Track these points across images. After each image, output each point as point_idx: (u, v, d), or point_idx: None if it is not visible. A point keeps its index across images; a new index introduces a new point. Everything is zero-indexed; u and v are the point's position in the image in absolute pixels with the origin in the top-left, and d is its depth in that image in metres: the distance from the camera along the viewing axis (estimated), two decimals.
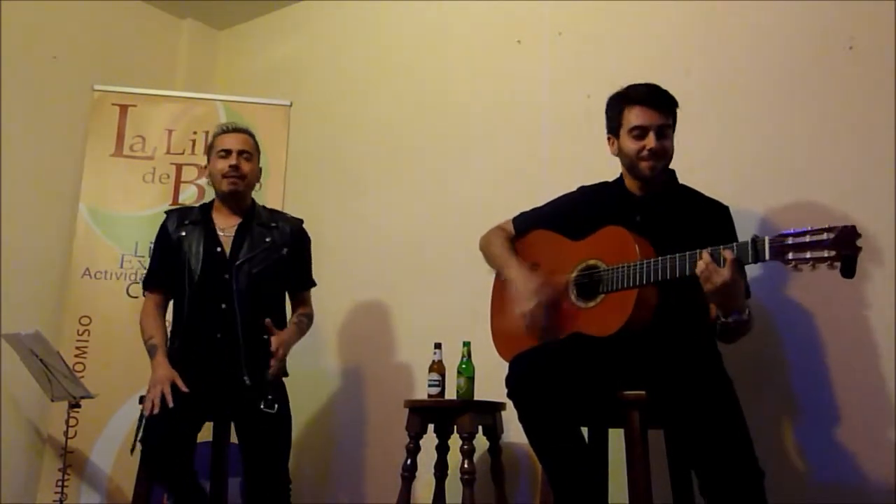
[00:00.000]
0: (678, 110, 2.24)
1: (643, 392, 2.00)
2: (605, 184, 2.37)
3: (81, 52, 4.03)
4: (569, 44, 3.21)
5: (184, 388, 2.42)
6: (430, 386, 2.75)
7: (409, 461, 2.67)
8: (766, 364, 2.49)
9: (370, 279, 3.59)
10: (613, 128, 2.26)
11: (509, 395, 2.03)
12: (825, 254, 1.68)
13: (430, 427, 2.74)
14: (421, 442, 2.69)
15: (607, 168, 2.35)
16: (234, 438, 2.66)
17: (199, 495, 2.48)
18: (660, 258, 1.97)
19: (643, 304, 1.99)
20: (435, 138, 3.55)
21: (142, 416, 2.45)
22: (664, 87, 2.25)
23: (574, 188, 2.44)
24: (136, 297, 3.41)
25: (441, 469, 2.82)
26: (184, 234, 2.65)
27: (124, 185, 3.56)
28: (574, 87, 3.13)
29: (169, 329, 2.67)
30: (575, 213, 2.31)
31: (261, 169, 2.81)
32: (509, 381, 2.03)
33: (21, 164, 3.73)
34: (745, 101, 2.71)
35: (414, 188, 3.57)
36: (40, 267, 3.72)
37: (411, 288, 3.45)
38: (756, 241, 1.80)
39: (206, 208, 2.75)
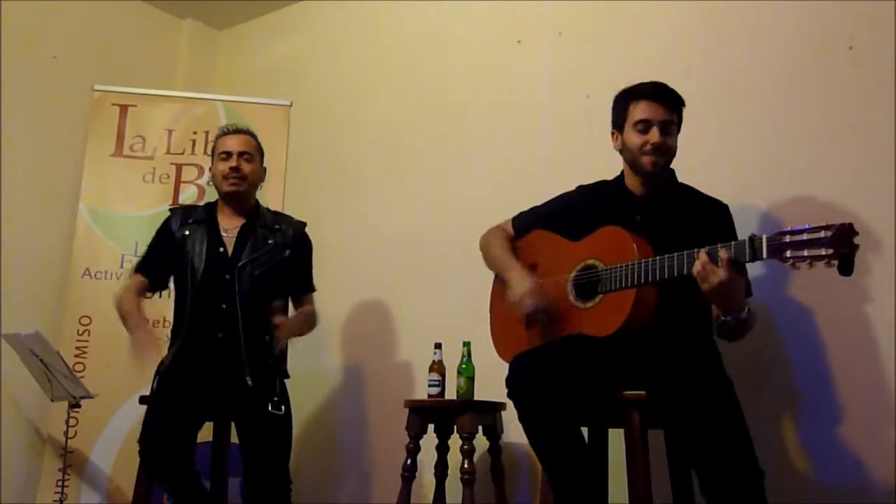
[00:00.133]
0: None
1: (643, 392, 2.00)
2: (604, 182, 2.37)
3: (81, 52, 4.04)
4: (569, 44, 3.21)
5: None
6: (430, 386, 2.75)
7: (409, 461, 2.67)
8: (766, 363, 2.49)
9: (370, 279, 3.59)
10: (618, 123, 2.26)
11: (509, 396, 2.03)
12: (823, 252, 1.68)
13: (431, 427, 2.74)
14: (421, 442, 2.69)
15: (607, 168, 2.35)
16: (234, 438, 2.66)
17: (200, 495, 2.48)
18: (658, 258, 1.97)
19: (641, 303, 1.99)
20: (435, 138, 3.55)
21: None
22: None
23: (574, 188, 2.43)
24: None
25: (441, 469, 2.82)
26: (187, 232, 2.65)
27: (124, 185, 3.56)
28: (574, 87, 3.13)
29: (168, 329, 2.68)
30: (574, 213, 2.31)
31: (265, 169, 2.81)
32: (509, 382, 2.03)
33: (21, 164, 3.73)
34: (745, 101, 2.71)
35: (414, 188, 3.57)
36: (40, 267, 3.72)
37: (411, 288, 3.45)
38: (753, 240, 1.80)
39: (211, 208, 2.75)
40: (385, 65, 3.83)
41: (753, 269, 2.13)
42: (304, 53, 4.22)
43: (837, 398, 2.37)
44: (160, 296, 3.34)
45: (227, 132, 2.73)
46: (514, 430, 2.67)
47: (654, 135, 2.16)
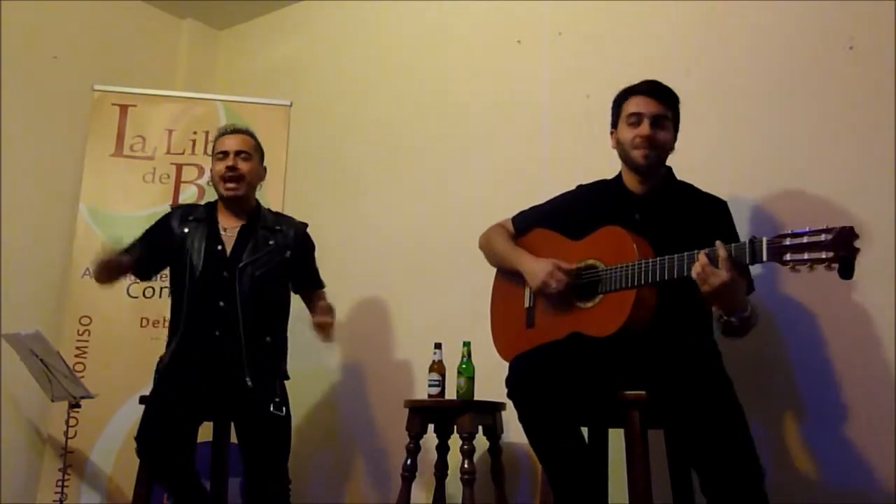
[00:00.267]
0: (681, 109, 2.25)
1: (643, 392, 2.00)
2: (603, 182, 2.37)
3: (81, 52, 4.04)
4: (569, 44, 3.21)
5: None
6: (430, 386, 2.75)
7: (409, 461, 2.67)
8: (767, 363, 2.49)
9: (370, 279, 3.59)
10: (614, 121, 2.28)
11: (509, 396, 2.03)
12: (823, 255, 1.68)
13: (431, 427, 2.74)
14: (421, 442, 2.69)
15: (607, 168, 2.35)
16: (233, 438, 2.66)
17: (200, 495, 2.48)
18: (658, 259, 1.97)
19: (642, 304, 1.99)
20: (435, 138, 3.55)
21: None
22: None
23: (574, 188, 2.44)
24: (136, 297, 3.42)
25: (441, 469, 2.82)
26: (187, 230, 2.66)
27: (124, 185, 3.56)
28: (574, 87, 3.13)
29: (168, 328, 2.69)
30: (574, 212, 2.31)
31: (265, 168, 2.81)
32: (509, 382, 2.03)
33: (21, 164, 3.73)
34: (745, 101, 2.71)
35: (414, 188, 3.57)
36: (40, 267, 3.72)
37: (411, 288, 3.45)
38: (754, 242, 1.80)
39: (211, 207, 2.76)
40: (385, 65, 3.83)
41: (753, 269, 2.12)
42: (304, 53, 4.22)
43: (839, 398, 2.37)
44: (160, 296, 3.38)
45: (224, 132, 2.74)
46: (514, 430, 2.67)
47: (645, 127, 2.17)
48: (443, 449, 2.82)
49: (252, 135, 2.77)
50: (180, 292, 2.61)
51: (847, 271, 1.68)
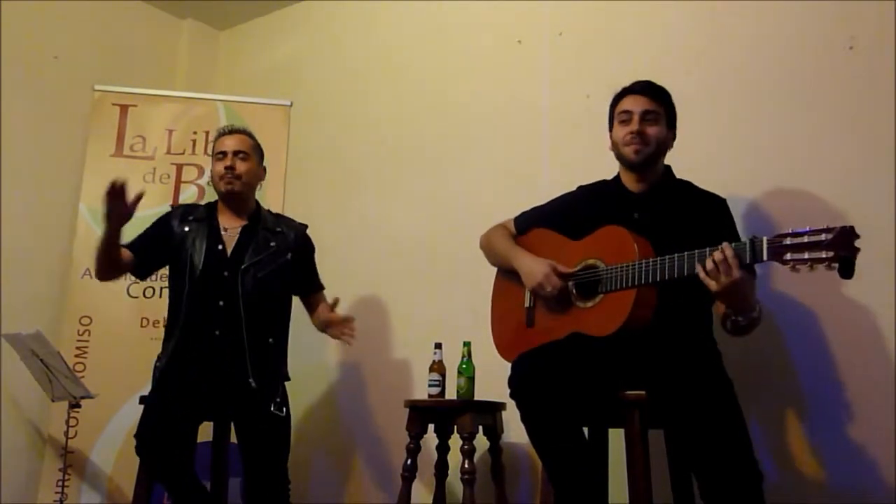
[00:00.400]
0: (681, 109, 2.26)
1: (643, 392, 2.00)
2: (603, 182, 2.38)
3: (82, 52, 4.04)
4: (569, 44, 3.21)
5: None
6: (430, 386, 2.75)
7: (409, 461, 2.67)
8: (767, 363, 2.48)
9: (370, 279, 3.59)
10: (610, 122, 2.30)
11: (512, 396, 2.03)
12: (823, 254, 1.68)
13: (431, 427, 2.74)
14: (421, 442, 2.69)
15: (607, 168, 2.36)
16: (233, 438, 2.67)
17: (200, 495, 2.48)
18: (658, 258, 1.96)
19: (642, 303, 1.99)
20: (435, 138, 3.55)
21: None
22: (665, 87, 2.27)
23: (574, 188, 2.44)
24: (136, 297, 3.42)
25: (441, 469, 2.82)
26: (187, 229, 2.66)
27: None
28: (574, 87, 3.13)
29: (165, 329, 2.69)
30: (574, 213, 2.31)
31: (264, 169, 2.82)
32: (512, 382, 2.03)
33: (21, 164, 3.73)
34: (745, 101, 2.71)
35: (414, 188, 3.57)
36: (41, 267, 3.72)
37: (411, 288, 3.45)
38: (754, 242, 1.80)
39: (211, 207, 2.76)
40: (385, 65, 3.83)
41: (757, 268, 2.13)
42: (304, 53, 4.22)
43: (839, 397, 2.37)
44: (160, 296, 3.38)
45: (222, 133, 2.75)
46: (514, 430, 2.67)
47: (634, 124, 2.19)
48: (443, 449, 2.82)
49: (250, 135, 2.77)
50: (180, 291, 2.61)
51: (847, 271, 1.68)
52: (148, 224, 2.76)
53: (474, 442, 2.60)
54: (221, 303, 2.56)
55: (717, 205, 2.24)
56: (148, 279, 3.00)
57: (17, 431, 3.56)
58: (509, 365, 2.09)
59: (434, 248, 3.41)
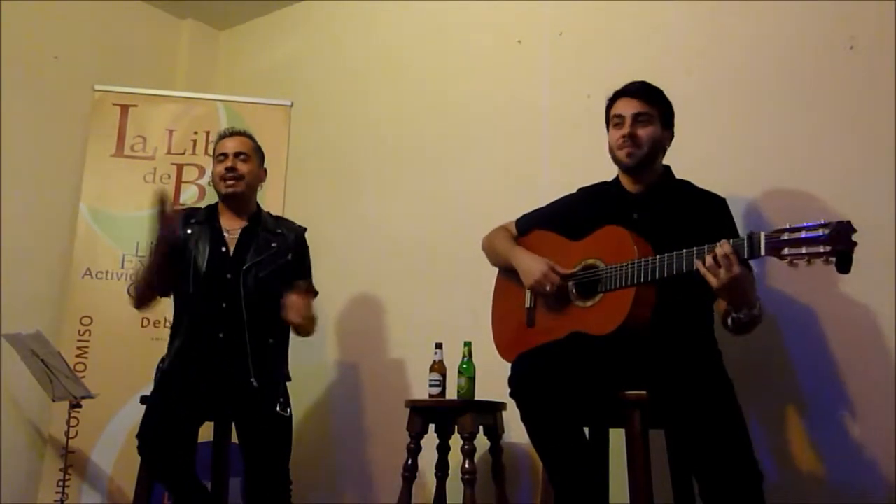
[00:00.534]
0: (681, 109, 2.26)
1: (644, 392, 2.01)
2: (603, 183, 2.39)
3: (82, 52, 4.04)
4: (569, 44, 3.22)
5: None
6: (430, 386, 2.75)
7: (409, 461, 2.67)
8: (767, 361, 2.49)
9: (370, 279, 3.59)
10: (606, 125, 2.30)
11: (512, 396, 2.03)
12: (821, 249, 1.69)
13: (431, 427, 2.75)
14: (422, 442, 2.70)
15: (607, 168, 2.36)
16: (233, 438, 2.67)
17: (200, 495, 2.49)
18: (657, 256, 1.97)
19: (641, 302, 2.00)
20: (435, 138, 3.55)
21: None
22: (664, 87, 2.27)
23: (574, 188, 2.45)
24: None
25: (442, 469, 2.82)
26: (190, 232, 2.67)
27: (125, 186, 3.56)
28: (574, 87, 3.13)
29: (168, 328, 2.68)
30: (575, 214, 2.32)
31: (265, 170, 2.83)
32: (512, 382, 2.04)
33: (22, 164, 3.73)
34: (745, 101, 2.71)
35: (414, 188, 3.57)
36: (41, 267, 3.73)
37: (411, 288, 3.45)
38: (752, 237, 1.81)
39: (213, 209, 2.77)
40: (385, 65, 3.83)
41: (754, 267, 2.13)
42: (304, 53, 4.22)
43: (840, 396, 2.37)
44: None
45: (223, 135, 2.77)
46: (514, 430, 2.68)
47: (626, 127, 2.19)
48: (443, 449, 2.82)
49: (251, 137, 2.79)
50: (184, 293, 2.61)
51: (845, 265, 1.69)
52: (147, 224, 2.75)
53: (475, 442, 2.60)
54: (224, 304, 2.57)
55: (716, 204, 2.24)
56: None
57: (18, 431, 3.57)
58: (510, 365, 2.10)
59: (434, 248, 3.42)
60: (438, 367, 2.77)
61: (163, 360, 2.62)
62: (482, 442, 2.72)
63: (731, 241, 1.84)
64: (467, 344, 2.76)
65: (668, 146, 2.27)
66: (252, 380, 2.49)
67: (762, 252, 1.78)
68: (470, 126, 3.45)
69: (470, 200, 3.33)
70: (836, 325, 2.42)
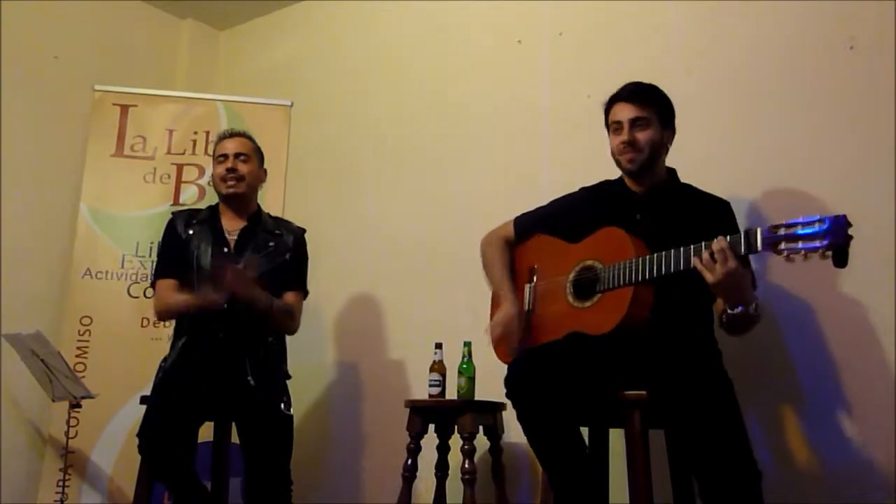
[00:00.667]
0: (681, 109, 2.26)
1: (644, 392, 2.00)
2: (606, 182, 2.38)
3: (82, 52, 4.04)
4: (569, 44, 3.22)
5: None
6: (430, 386, 2.76)
7: (409, 461, 2.67)
8: (767, 360, 2.48)
9: (370, 279, 3.59)
10: (607, 129, 2.30)
11: (508, 396, 2.03)
12: (817, 244, 1.70)
13: (431, 427, 2.75)
14: (422, 442, 2.70)
15: (607, 168, 2.36)
16: (234, 438, 2.67)
17: (200, 495, 2.49)
18: (654, 254, 1.97)
19: (639, 301, 2.00)
20: (435, 138, 3.55)
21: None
22: (664, 87, 2.27)
23: (574, 188, 2.44)
24: (136, 297, 3.42)
25: (442, 469, 2.82)
26: (192, 232, 2.68)
27: (125, 186, 3.56)
28: (574, 87, 3.13)
29: (170, 328, 2.68)
30: (576, 213, 2.32)
31: (265, 171, 2.83)
32: (508, 382, 2.04)
33: (21, 164, 3.73)
34: (745, 101, 2.71)
35: (414, 188, 3.57)
36: (41, 267, 3.73)
37: (411, 288, 3.45)
38: (749, 233, 1.82)
39: (213, 209, 2.77)
40: (385, 65, 3.83)
41: (754, 265, 2.13)
42: (304, 53, 4.22)
43: (839, 394, 2.37)
44: None
45: (223, 136, 2.78)
46: (514, 430, 2.67)
47: (625, 133, 2.19)
48: (443, 449, 2.82)
49: (251, 138, 2.80)
50: (187, 293, 2.61)
51: (841, 259, 1.69)
52: (148, 224, 2.76)
53: (475, 442, 2.60)
54: (225, 304, 2.57)
55: (720, 207, 2.24)
56: (147, 279, 2.98)
57: (18, 431, 3.57)
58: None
59: (434, 248, 3.42)
60: (438, 367, 2.77)
61: (165, 358, 2.62)
62: (482, 442, 2.72)
63: (728, 237, 1.85)
64: (467, 344, 2.76)
65: (671, 144, 2.27)
66: (249, 378, 2.49)
67: (759, 247, 1.79)
68: (470, 126, 3.45)
69: (470, 200, 3.33)
70: (835, 325, 2.42)
